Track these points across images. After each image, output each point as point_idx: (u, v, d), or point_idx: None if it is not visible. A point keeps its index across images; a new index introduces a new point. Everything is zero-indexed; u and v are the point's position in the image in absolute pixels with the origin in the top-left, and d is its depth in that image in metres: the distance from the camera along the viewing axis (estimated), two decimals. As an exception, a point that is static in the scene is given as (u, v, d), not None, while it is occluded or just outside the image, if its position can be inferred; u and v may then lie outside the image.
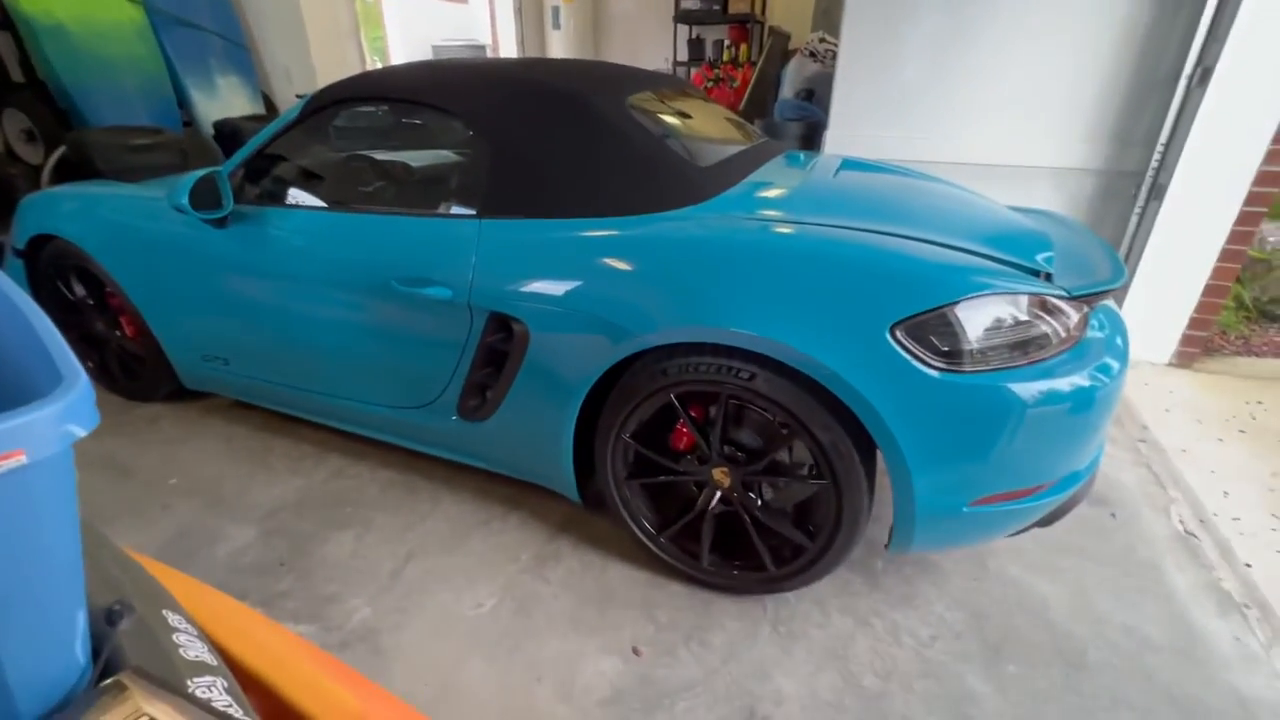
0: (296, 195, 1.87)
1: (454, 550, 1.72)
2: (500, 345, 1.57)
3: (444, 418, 1.73)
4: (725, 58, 6.32)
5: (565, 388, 1.50)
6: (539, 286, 1.46)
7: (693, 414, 1.48)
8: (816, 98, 3.75)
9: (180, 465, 2.06)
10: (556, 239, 1.47)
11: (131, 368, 2.35)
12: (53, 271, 2.27)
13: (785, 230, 1.40)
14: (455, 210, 1.65)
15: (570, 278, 1.43)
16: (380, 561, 1.67)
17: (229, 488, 1.95)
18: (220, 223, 1.81)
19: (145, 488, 1.95)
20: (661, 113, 1.86)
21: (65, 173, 3.62)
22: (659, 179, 1.51)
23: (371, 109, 1.82)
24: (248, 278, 1.84)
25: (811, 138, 3.72)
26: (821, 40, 4.22)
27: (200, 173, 1.74)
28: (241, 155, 1.89)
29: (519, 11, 6.76)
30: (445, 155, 1.89)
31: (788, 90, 4.27)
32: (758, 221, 1.44)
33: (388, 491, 1.94)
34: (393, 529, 1.79)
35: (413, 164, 1.88)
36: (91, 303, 2.28)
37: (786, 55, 4.93)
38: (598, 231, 1.45)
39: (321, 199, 1.85)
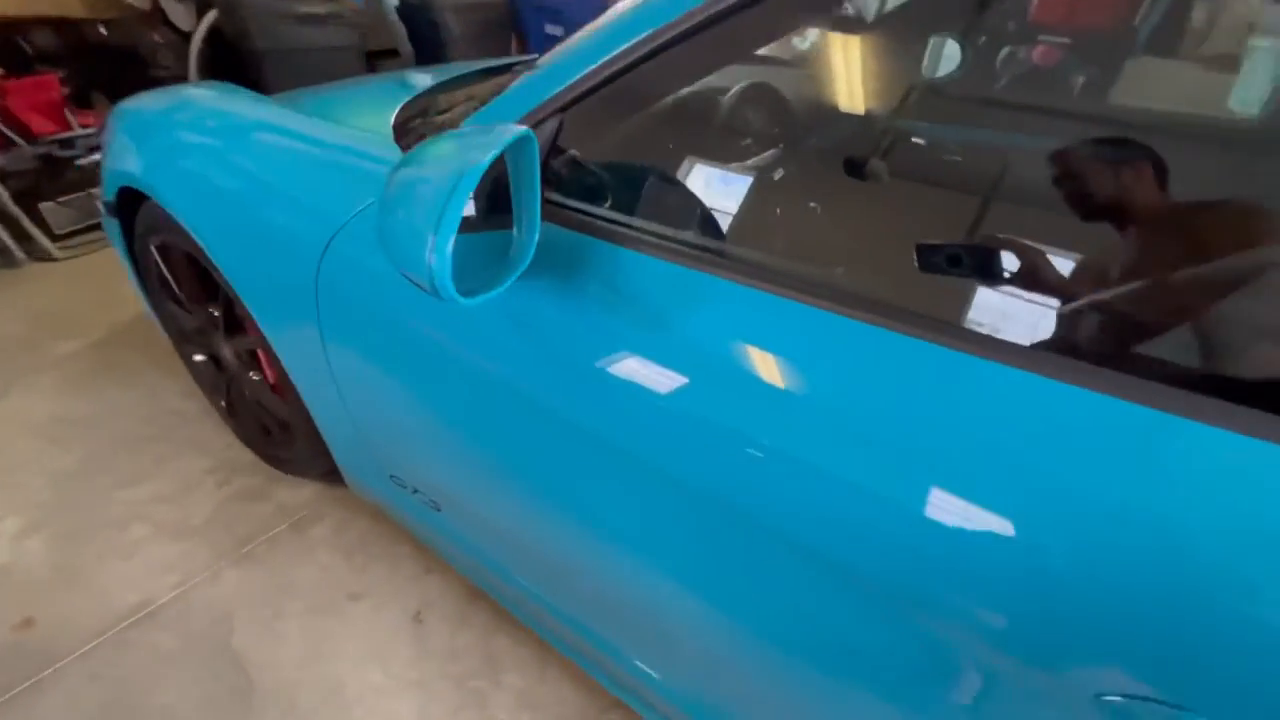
0: (653, 221, 0.65)
1: None
2: None
3: None
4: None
5: None
6: None
7: None
8: None
9: (329, 680, 1.06)
10: None
11: (270, 428, 1.37)
12: (154, 250, 1.27)
13: None
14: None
15: None
16: None
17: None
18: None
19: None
20: None
21: (218, 49, 2.69)
22: None
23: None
24: (516, 376, 0.69)
25: None
26: None
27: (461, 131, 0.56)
28: (532, 92, 0.69)
29: None
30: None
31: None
32: None
33: None
34: None
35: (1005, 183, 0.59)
36: (213, 312, 1.28)
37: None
38: None
39: (724, 243, 0.63)
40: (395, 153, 0.88)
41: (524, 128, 0.53)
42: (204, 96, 1.18)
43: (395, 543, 1.31)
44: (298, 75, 2.52)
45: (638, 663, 0.82)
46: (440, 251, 0.47)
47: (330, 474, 1.37)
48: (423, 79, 1.29)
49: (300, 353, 0.99)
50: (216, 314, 1.26)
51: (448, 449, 0.87)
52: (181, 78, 2.74)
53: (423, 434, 0.89)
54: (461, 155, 0.49)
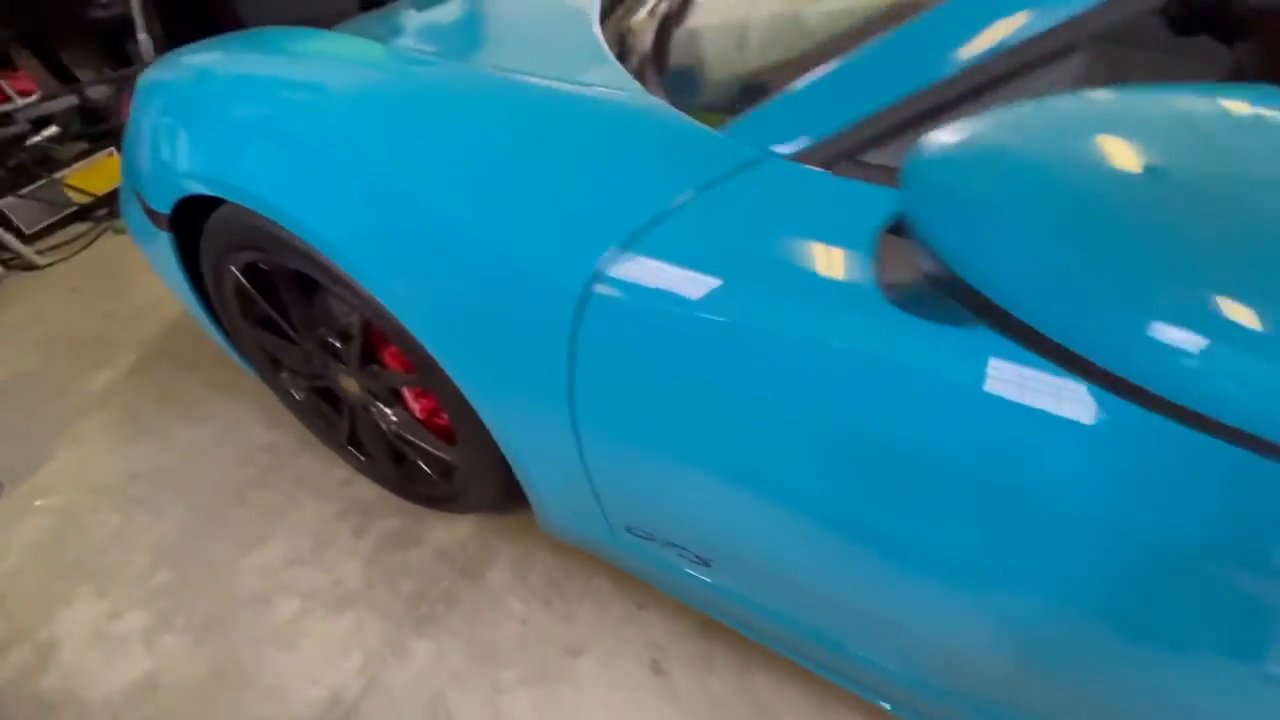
0: None
1: None
2: None
3: None
4: None
5: None
6: None
7: None
8: None
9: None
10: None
11: (408, 458, 1.13)
12: (235, 271, 0.97)
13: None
14: None
15: None
16: None
17: None
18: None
19: None
20: None
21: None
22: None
23: None
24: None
25: None
26: None
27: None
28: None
29: None
30: None
31: None
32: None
33: None
34: None
35: None
36: (334, 344, 1.00)
37: None
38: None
39: None
40: (666, 110, 0.60)
41: None
42: (317, 45, 0.84)
43: (591, 576, 1.13)
44: (275, 14, 2.02)
45: (949, 692, 0.67)
46: None
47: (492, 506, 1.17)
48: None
49: (518, 406, 0.75)
50: (338, 344, 0.99)
51: (760, 508, 0.66)
52: (123, 17, 2.21)
53: (723, 493, 0.68)
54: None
